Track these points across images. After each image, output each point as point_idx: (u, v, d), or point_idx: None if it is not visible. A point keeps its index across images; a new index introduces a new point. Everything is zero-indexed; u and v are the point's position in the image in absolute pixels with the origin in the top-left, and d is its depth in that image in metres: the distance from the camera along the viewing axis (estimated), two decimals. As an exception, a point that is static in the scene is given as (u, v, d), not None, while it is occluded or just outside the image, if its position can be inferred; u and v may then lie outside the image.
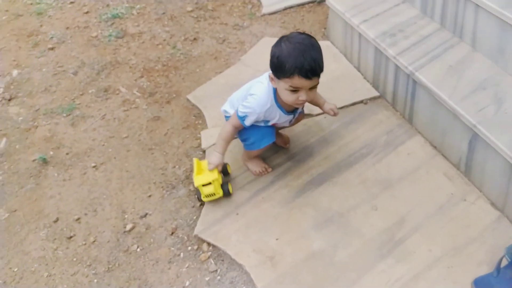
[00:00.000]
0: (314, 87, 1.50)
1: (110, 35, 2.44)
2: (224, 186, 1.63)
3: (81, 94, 2.13)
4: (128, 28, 2.50)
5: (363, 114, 1.96)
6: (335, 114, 1.74)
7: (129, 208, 1.69)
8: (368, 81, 2.09)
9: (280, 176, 1.74)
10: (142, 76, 2.23)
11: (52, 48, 2.36)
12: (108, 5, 2.64)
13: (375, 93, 2.03)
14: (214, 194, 1.61)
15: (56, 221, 1.65)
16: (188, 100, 2.09)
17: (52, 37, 2.42)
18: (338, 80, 2.08)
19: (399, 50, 1.87)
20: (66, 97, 2.12)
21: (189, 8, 2.62)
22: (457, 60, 1.81)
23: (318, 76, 1.46)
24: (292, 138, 1.86)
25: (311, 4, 2.60)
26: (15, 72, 2.23)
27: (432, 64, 1.81)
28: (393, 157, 1.78)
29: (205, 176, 1.59)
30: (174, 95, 2.13)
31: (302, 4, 2.60)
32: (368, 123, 1.92)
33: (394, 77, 1.91)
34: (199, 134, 1.93)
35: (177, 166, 1.82)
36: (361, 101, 2.01)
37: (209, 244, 1.56)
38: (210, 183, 1.58)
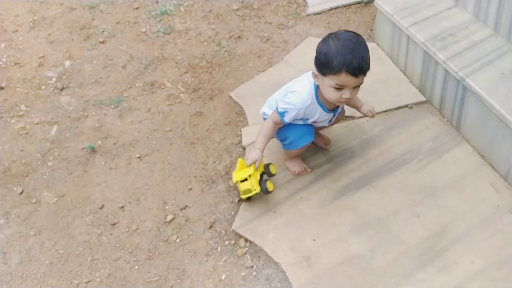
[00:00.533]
0: (358, 86, 1.49)
1: (158, 31, 2.51)
2: (262, 183, 1.64)
3: (129, 87, 2.21)
4: (175, 25, 2.56)
5: (408, 119, 1.91)
6: (373, 116, 1.74)
7: (170, 200, 1.74)
8: (414, 85, 2.04)
9: (319, 177, 1.73)
10: (187, 72, 2.28)
11: (103, 42, 2.47)
12: (157, 2, 2.72)
13: (421, 98, 1.98)
14: (251, 190, 1.57)
15: (101, 207, 1.72)
16: (230, 97, 2.12)
17: (103, 31, 2.53)
18: (382, 83, 2.05)
19: (449, 54, 1.82)
20: (115, 89, 2.20)
21: (235, 7, 2.66)
22: (510, 67, 1.73)
23: (365, 74, 1.46)
24: (332, 140, 1.85)
25: (357, 5, 2.57)
26: (67, 63, 2.35)
27: (484, 70, 1.74)
28: (437, 165, 1.73)
29: (243, 173, 1.60)
30: (217, 92, 2.16)
31: (349, 5, 2.57)
32: (413, 128, 1.87)
33: (443, 82, 1.86)
34: (240, 131, 1.96)
35: (217, 161, 1.86)
36: (406, 106, 1.96)
37: (246, 240, 1.58)
38: (246, 179, 1.58)
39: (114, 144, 1.96)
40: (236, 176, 1.61)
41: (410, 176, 1.71)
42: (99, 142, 1.96)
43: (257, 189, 1.59)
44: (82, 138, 1.98)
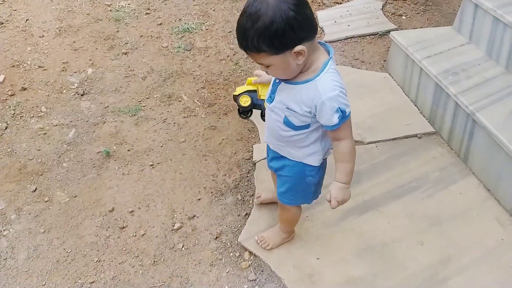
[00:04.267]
0: (267, 66, 1.13)
1: (179, 47, 2.61)
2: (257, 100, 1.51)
3: (147, 98, 2.29)
4: (196, 42, 2.66)
5: (416, 148, 1.95)
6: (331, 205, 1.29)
7: (178, 208, 1.77)
8: (424, 116, 2.09)
9: (325, 198, 1.76)
10: (203, 87, 2.36)
11: (125, 53, 2.56)
12: (180, 20, 2.84)
13: (431, 129, 2.03)
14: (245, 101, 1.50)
15: (111, 210, 1.76)
16: (244, 114, 2.18)
17: (126, 43, 2.63)
18: (393, 111, 2.10)
19: (460, 89, 1.87)
20: (133, 98, 2.28)
21: (254, 29, 2.76)
22: (521, 105, 1.78)
23: (248, 51, 1.08)
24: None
25: (372, 36, 2.66)
26: (90, 71, 2.43)
27: (494, 106, 1.79)
28: (444, 195, 1.75)
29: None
30: (232, 108, 2.23)
31: (364, 36, 2.66)
32: (421, 157, 1.91)
33: (453, 115, 1.90)
34: (252, 147, 2.00)
35: (227, 175, 1.90)
36: (415, 135, 2.01)
37: (250, 253, 1.60)
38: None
39: (128, 150, 2.01)
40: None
41: (416, 204, 1.73)
42: (114, 147, 2.02)
43: (236, 91, 1.53)
44: (98, 142, 2.04)
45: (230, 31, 2.74)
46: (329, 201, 1.27)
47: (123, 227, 1.70)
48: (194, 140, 2.07)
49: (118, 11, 2.88)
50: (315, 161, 1.30)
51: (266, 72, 1.18)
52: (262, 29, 1.02)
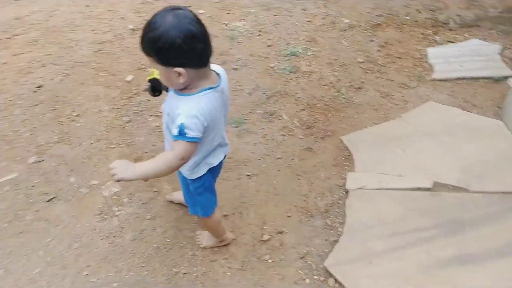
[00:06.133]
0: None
1: (284, 69, 2.74)
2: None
3: (251, 112, 2.43)
4: (301, 66, 2.77)
5: (529, 205, 1.80)
6: None
7: (269, 221, 1.84)
8: (541, 172, 1.93)
9: (422, 240, 1.70)
10: (304, 110, 2.44)
11: (235, 69, 2.75)
12: (288, 43, 2.98)
13: (548, 187, 1.86)
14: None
15: (208, 212, 1.89)
16: (341, 141, 2.21)
17: (237, 60, 2.83)
18: (507, 161, 1.97)
19: None
20: (238, 111, 2.43)
21: (360, 59, 2.80)
22: None
23: (142, 50, 1.23)
24: (442, 206, 1.81)
25: (486, 80, 2.53)
26: (203, 81, 2.66)
27: None
28: (558, 261, 1.59)
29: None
30: (330, 133, 2.27)
31: (477, 78, 2.55)
32: (533, 215, 1.76)
33: None
34: (345, 174, 2.02)
35: (319, 198, 1.93)
36: (529, 191, 1.86)
37: (336, 280, 1.60)
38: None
39: (229, 158, 2.14)
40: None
41: (523, 266, 1.59)
42: (217, 153, 2.17)
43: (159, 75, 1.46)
44: (203, 146, 2.21)
45: (336, 59, 2.81)
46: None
47: (217, 229, 1.81)
48: (290, 159, 2.14)
49: (233, 30, 3.12)
50: (186, 173, 1.46)
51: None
52: (151, 39, 1.18)
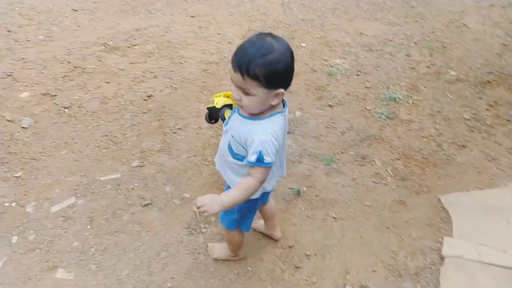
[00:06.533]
0: (246, 93, 1.25)
1: (381, 113, 2.67)
2: (223, 108, 1.57)
3: (342, 152, 2.39)
4: (400, 113, 2.69)
5: None
6: None
7: (352, 270, 1.77)
8: None
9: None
10: (399, 159, 2.35)
11: (331, 106, 2.75)
12: (388, 88, 2.92)
13: None
14: (213, 101, 1.60)
15: (291, 247, 1.87)
16: (439, 200, 2.08)
17: (333, 97, 2.82)
18: None
19: None
20: (330, 149, 2.41)
21: (466, 116, 2.65)
22: None
23: (243, 75, 1.21)
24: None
25: None
26: (297, 113, 2.69)
27: None
28: None
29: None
30: (425, 190, 2.15)
31: None
32: None
33: None
34: (441, 238, 1.89)
35: (409, 258, 1.82)
36: None
37: None
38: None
39: (316, 196, 2.12)
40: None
41: None
42: (305, 188, 2.16)
43: (218, 104, 1.59)
44: (292, 179, 2.21)
45: (439, 111, 2.69)
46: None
47: (298, 267, 1.78)
48: (380, 209, 2.06)
49: (332, 67, 3.13)
50: None
51: (238, 101, 1.28)
52: (269, 62, 1.20)
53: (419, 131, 2.55)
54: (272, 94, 1.25)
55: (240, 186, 1.33)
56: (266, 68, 1.20)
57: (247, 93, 1.25)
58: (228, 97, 1.61)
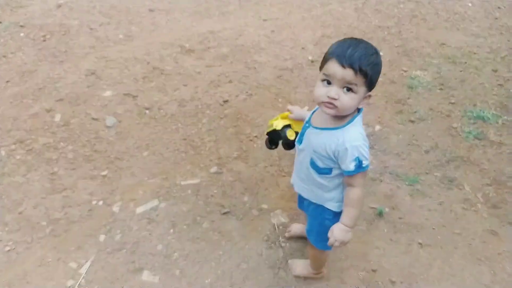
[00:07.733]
0: (350, 90, 1.23)
1: (469, 132, 2.50)
2: (284, 129, 1.56)
3: (426, 173, 2.26)
4: (489, 134, 2.50)
5: None
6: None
7: (442, 304, 1.66)
8: None
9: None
10: (490, 185, 2.18)
11: (412, 121, 2.61)
12: (475, 105, 2.73)
13: None
14: (272, 125, 1.59)
15: (374, 271, 1.79)
16: (538, 234, 1.91)
17: (415, 112, 2.68)
18: None
19: None
20: (412, 168, 2.29)
21: None
22: None
23: (355, 72, 1.20)
24: None
25: None
26: (377, 127, 2.58)
27: None
28: None
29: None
30: (522, 221, 1.98)
31: None
32: None
33: None
34: (543, 278, 1.72)
35: (506, 296, 1.68)
36: None
37: None
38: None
39: (399, 218, 2.01)
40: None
41: None
42: (387, 209, 2.06)
43: (277, 126, 1.57)
44: (373, 198, 2.12)
45: (534, 135, 2.47)
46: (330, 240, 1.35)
47: (388, 294, 1.70)
48: (470, 238, 1.92)
49: (413, 79, 2.98)
50: (334, 206, 1.41)
51: (334, 100, 1.22)
52: (376, 62, 1.23)
53: (511, 156, 2.35)
54: (365, 96, 1.26)
55: (353, 202, 1.33)
56: (374, 67, 1.23)
57: (351, 90, 1.23)
58: (284, 118, 1.60)
